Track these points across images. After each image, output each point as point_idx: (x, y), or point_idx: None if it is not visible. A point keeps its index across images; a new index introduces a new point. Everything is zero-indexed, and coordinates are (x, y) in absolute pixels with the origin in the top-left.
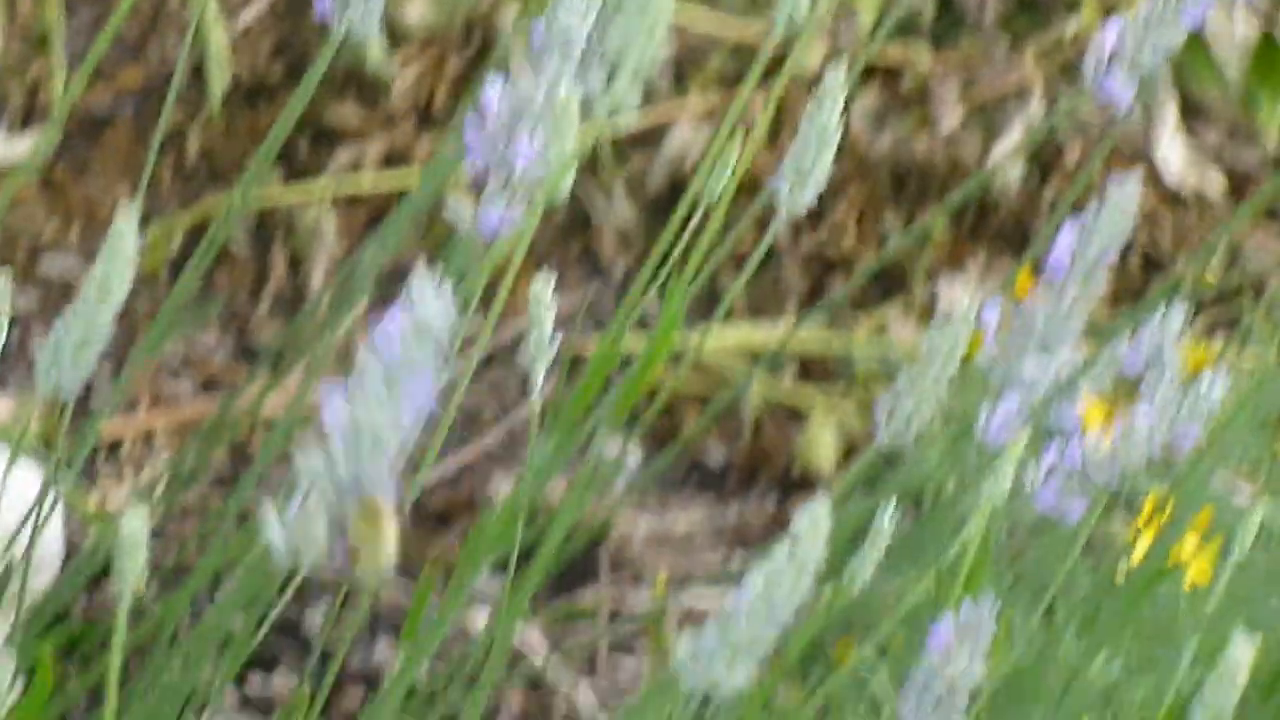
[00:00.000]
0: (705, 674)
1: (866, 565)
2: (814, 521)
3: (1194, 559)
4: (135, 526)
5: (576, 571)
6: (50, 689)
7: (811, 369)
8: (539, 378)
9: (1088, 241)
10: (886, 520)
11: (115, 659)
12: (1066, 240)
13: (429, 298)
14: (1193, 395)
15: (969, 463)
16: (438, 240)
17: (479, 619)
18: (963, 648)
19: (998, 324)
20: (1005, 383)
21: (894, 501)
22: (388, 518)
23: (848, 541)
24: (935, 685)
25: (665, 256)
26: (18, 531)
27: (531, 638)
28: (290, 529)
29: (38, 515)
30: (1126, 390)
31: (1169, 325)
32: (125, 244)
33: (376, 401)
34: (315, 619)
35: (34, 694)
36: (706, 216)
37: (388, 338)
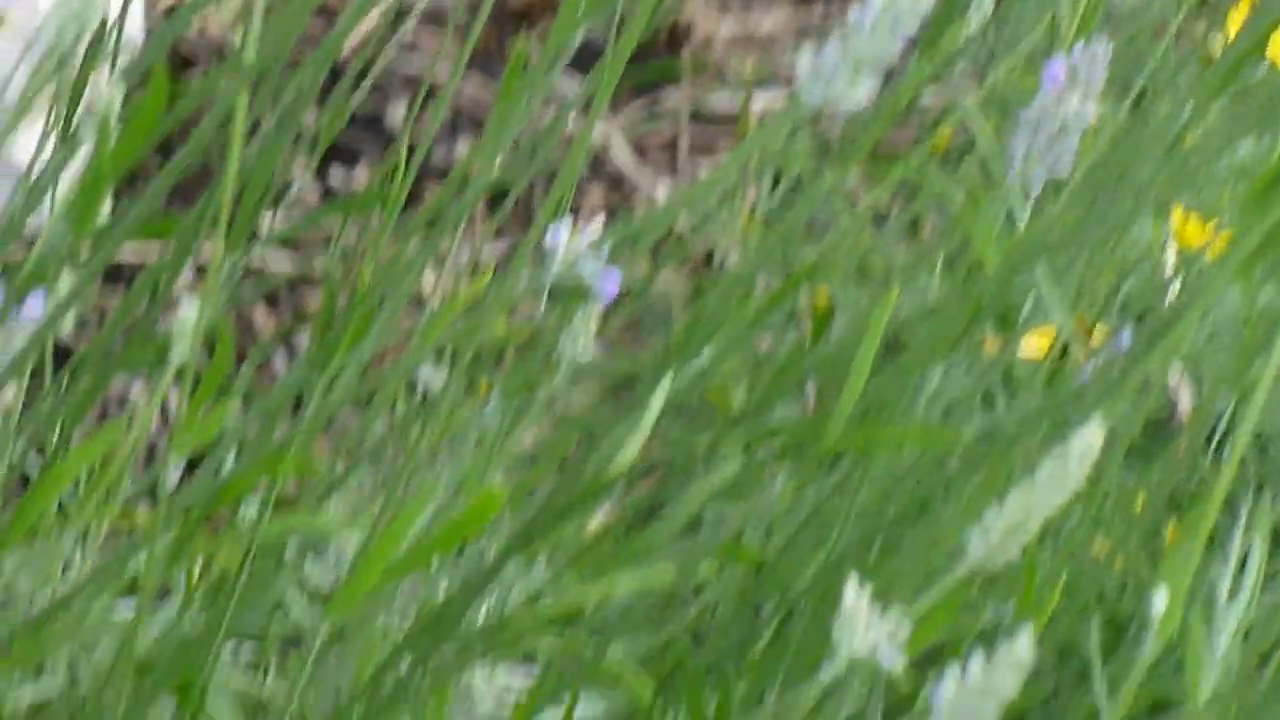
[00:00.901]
0: (825, 90)
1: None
2: None
3: None
4: None
5: (658, 73)
6: (163, 101)
7: None
8: None
9: None
10: None
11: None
12: None
13: None
14: None
15: None
16: None
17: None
18: (1075, 87)
19: None
20: None
21: None
22: None
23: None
24: (1047, 126)
25: None
26: None
27: (613, 138)
28: None
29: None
30: None
31: None
32: None
33: None
34: (397, 114)
35: (149, 103)
36: None
37: None
